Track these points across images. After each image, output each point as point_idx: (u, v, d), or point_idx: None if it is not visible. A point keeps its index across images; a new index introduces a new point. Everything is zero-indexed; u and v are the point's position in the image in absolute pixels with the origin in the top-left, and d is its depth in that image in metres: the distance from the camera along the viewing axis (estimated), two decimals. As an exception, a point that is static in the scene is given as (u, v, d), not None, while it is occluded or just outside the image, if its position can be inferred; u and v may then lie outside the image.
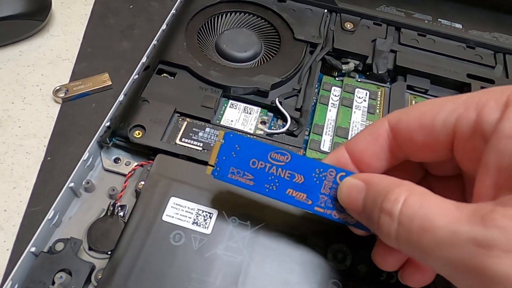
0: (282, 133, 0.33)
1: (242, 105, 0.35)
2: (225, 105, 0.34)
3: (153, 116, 0.31)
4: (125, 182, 0.30)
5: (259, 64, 0.37)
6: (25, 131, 0.34)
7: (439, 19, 0.41)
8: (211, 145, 0.30)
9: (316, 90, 0.36)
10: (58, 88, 0.36)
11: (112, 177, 0.31)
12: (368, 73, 0.38)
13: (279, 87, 0.35)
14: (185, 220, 0.26)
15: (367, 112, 0.35)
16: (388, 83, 0.38)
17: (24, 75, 0.38)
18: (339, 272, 0.25)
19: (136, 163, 0.31)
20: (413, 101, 0.37)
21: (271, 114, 0.34)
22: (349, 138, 0.33)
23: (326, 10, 0.41)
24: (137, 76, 0.34)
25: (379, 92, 0.37)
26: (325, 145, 0.33)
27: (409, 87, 0.37)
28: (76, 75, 0.38)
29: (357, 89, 0.37)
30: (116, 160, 0.31)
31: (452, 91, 0.37)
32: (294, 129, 0.33)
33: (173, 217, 0.26)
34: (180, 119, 0.32)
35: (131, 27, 0.43)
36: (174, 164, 0.29)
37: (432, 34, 0.40)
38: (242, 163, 0.23)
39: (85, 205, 0.29)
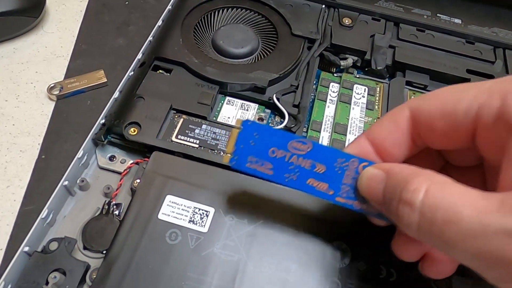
0: (279, 129, 0.32)
1: (239, 101, 0.34)
2: (222, 101, 0.34)
3: (148, 113, 0.31)
4: (120, 180, 0.29)
5: (256, 60, 0.37)
6: (19, 129, 0.34)
7: (438, 14, 0.41)
8: (208, 142, 0.30)
9: (314, 86, 0.36)
10: (52, 85, 0.36)
11: (107, 175, 0.30)
12: (366, 69, 0.38)
13: (276, 83, 0.34)
14: (181, 219, 0.26)
15: (366, 108, 0.35)
16: (387, 79, 0.37)
17: (18, 73, 0.37)
18: (338, 270, 0.25)
19: (131, 161, 0.30)
20: (412, 97, 0.36)
21: (268, 111, 0.34)
22: (347, 134, 0.33)
23: (324, 5, 0.41)
24: (132, 72, 0.34)
25: (378, 88, 0.36)
26: (324, 142, 0.32)
27: (408, 83, 0.36)
28: (71, 72, 0.38)
29: (355, 85, 0.36)
30: (111, 158, 0.30)
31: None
32: (292, 125, 0.32)
33: (169, 215, 0.26)
34: (176, 116, 0.31)
35: (126, 23, 0.42)
36: (170, 162, 0.28)
37: (431, 29, 0.40)
38: (261, 151, 0.22)
39: (80, 204, 0.29)
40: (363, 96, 0.35)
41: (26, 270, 0.24)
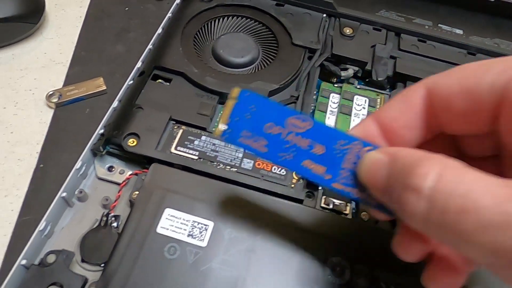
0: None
1: (239, 112, 0.34)
2: (222, 112, 0.34)
3: (147, 124, 0.30)
4: (119, 192, 0.29)
5: (256, 70, 0.37)
6: (17, 137, 0.33)
7: (439, 25, 0.41)
8: (207, 154, 0.30)
9: (314, 96, 0.36)
10: (51, 92, 0.36)
11: (105, 186, 0.30)
12: (367, 80, 0.37)
13: (276, 94, 0.34)
14: (180, 232, 0.25)
15: (366, 119, 0.35)
16: (387, 90, 0.37)
17: (17, 79, 0.37)
18: (338, 286, 0.25)
19: (130, 172, 0.30)
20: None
21: (268, 121, 0.34)
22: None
23: (325, 15, 0.41)
24: (131, 82, 0.34)
25: (379, 100, 0.36)
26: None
27: (409, 94, 0.36)
28: (70, 80, 0.37)
29: (356, 96, 0.36)
30: (110, 169, 0.30)
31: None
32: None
33: (168, 229, 0.26)
34: (175, 127, 0.31)
35: (126, 30, 0.42)
36: (169, 174, 0.28)
37: (432, 40, 0.39)
38: (257, 126, 0.20)
39: (78, 215, 0.28)
40: (364, 108, 0.35)
41: (23, 283, 0.24)
